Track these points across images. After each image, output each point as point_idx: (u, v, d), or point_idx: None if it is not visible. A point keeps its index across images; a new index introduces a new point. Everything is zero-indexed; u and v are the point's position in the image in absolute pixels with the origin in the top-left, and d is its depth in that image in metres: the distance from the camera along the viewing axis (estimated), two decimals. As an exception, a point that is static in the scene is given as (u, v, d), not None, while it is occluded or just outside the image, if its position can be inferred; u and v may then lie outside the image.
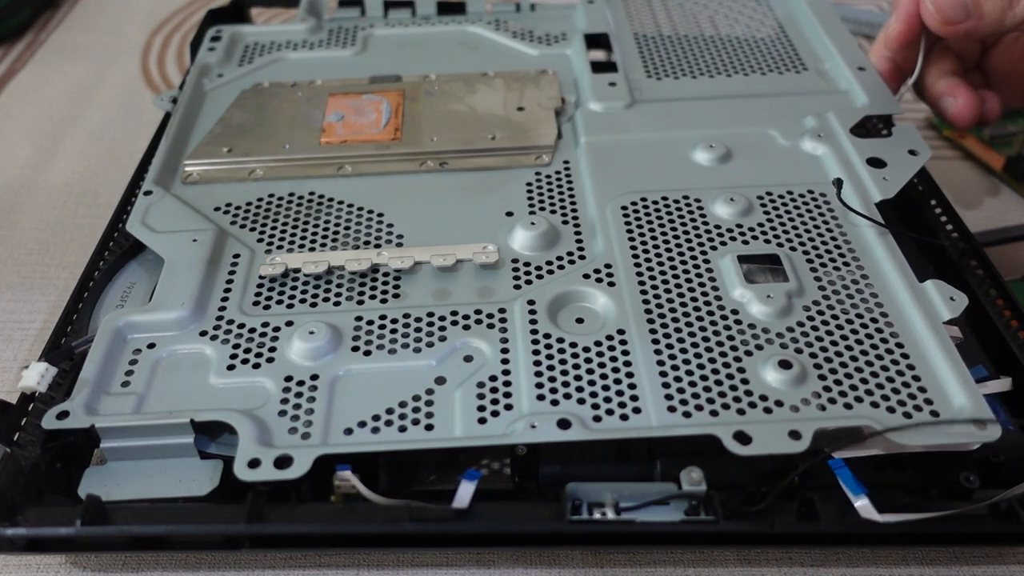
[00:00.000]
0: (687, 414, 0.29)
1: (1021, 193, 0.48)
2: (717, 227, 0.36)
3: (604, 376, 0.30)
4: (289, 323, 0.32)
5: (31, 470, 0.29)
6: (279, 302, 0.34)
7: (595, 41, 0.49)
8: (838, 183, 0.37)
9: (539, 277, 0.34)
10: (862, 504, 0.27)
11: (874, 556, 0.31)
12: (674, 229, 0.36)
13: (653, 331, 0.31)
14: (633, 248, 0.35)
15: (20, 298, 0.42)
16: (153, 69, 0.60)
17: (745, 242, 0.35)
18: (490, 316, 0.32)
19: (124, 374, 0.31)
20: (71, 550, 0.30)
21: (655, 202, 0.37)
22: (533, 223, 0.36)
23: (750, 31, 0.49)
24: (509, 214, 0.37)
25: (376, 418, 0.29)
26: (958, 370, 0.29)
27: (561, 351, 0.31)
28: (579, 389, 0.29)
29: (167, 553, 0.30)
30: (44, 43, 0.62)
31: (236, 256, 0.36)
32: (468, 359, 0.31)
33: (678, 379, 0.30)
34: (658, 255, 0.35)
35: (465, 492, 0.27)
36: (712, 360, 0.30)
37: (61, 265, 0.44)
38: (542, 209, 0.38)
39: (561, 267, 0.35)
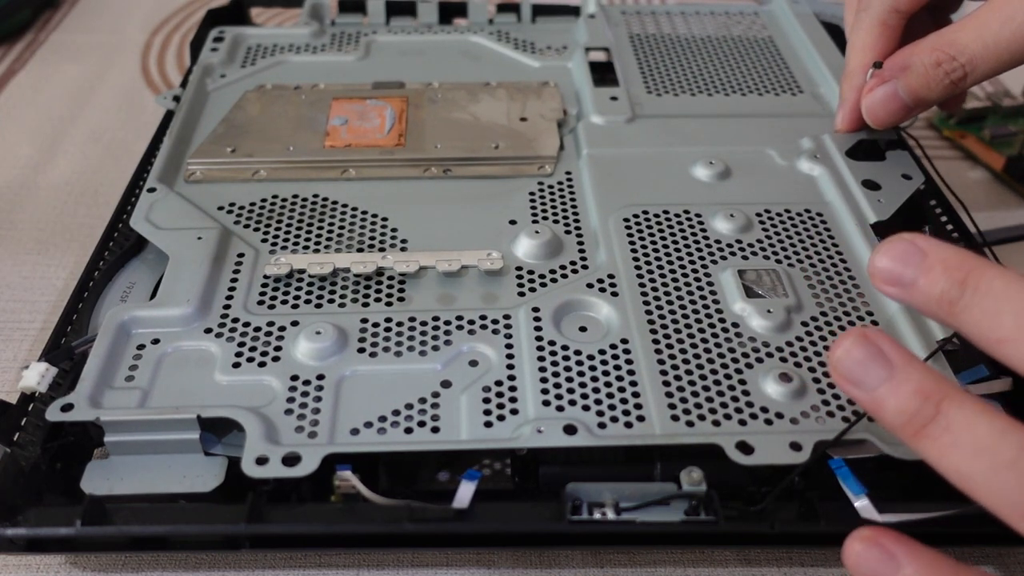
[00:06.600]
0: (690, 423, 0.29)
1: (1021, 193, 0.48)
2: (717, 242, 0.36)
3: (608, 384, 0.30)
4: (294, 323, 0.33)
5: (31, 470, 0.29)
6: (284, 302, 0.34)
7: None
8: None
9: (543, 285, 0.35)
10: (862, 504, 0.27)
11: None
12: (675, 242, 0.36)
13: (656, 341, 0.32)
14: (635, 259, 0.35)
15: (20, 298, 0.42)
16: (153, 69, 0.60)
17: (745, 257, 0.36)
18: (495, 322, 0.33)
19: (128, 369, 0.31)
20: (71, 550, 0.30)
21: (656, 215, 0.38)
22: (537, 231, 0.36)
23: (747, 53, 0.50)
24: (512, 222, 0.38)
25: (382, 419, 0.29)
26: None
27: (566, 358, 0.31)
28: (584, 396, 0.30)
29: (167, 553, 0.30)
30: (44, 43, 0.62)
31: (240, 255, 0.36)
32: (474, 363, 0.31)
33: (681, 389, 0.30)
34: (660, 267, 0.35)
35: (465, 492, 0.27)
36: (714, 371, 0.31)
37: (61, 265, 0.44)
38: (545, 218, 0.38)
39: (564, 276, 0.35)
